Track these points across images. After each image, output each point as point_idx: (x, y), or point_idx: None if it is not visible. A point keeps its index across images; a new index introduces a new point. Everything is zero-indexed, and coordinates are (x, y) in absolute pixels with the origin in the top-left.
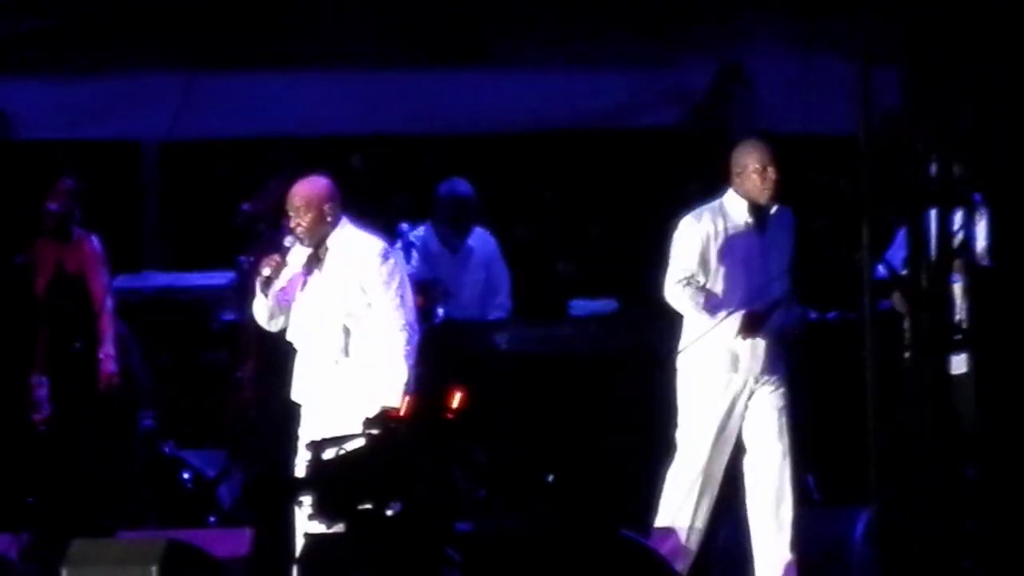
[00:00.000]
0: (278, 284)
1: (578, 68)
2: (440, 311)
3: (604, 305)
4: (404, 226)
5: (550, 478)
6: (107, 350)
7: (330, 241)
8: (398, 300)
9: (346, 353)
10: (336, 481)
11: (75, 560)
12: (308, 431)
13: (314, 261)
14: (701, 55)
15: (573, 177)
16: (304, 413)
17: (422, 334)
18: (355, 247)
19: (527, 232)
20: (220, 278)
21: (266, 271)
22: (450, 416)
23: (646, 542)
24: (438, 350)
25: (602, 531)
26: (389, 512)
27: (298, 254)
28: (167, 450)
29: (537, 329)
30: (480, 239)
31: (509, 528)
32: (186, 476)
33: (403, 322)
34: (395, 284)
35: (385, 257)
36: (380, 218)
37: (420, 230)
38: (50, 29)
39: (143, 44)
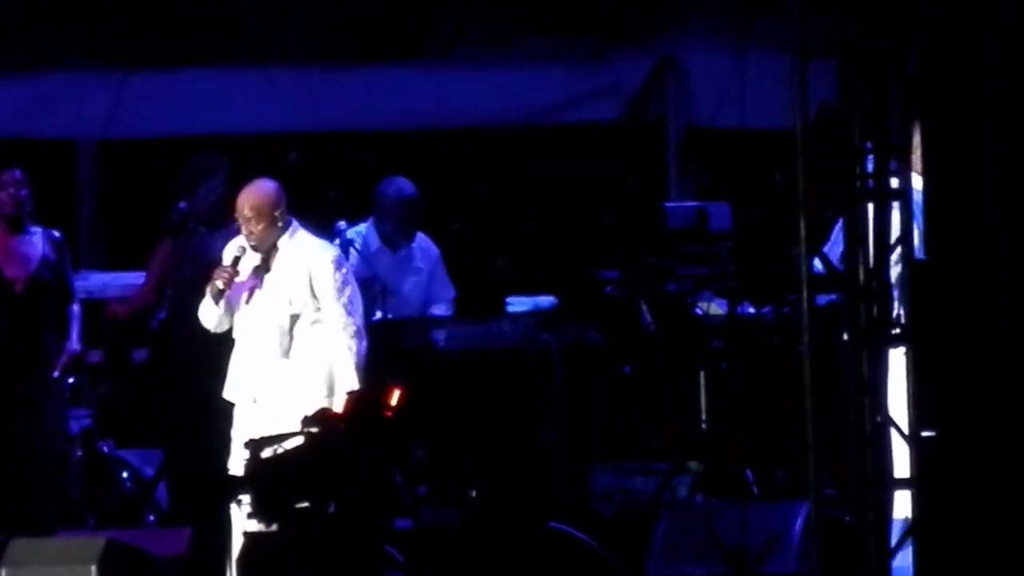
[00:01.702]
0: (226, 294)
1: (514, 64)
2: (378, 311)
3: (542, 301)
4: (342, 224)
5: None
6: (75, 345)
7: (280, 243)
8: (349, 306)
9: (287, 355)
10: (274, 480)
11: (14, 560)
12: (242, 430)
13: (263, 264)
14: (636, 50)
15: (509, 172)
16: (238, 412)
17: None
18: (306, 252)
19: (463, 227)
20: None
21: (219, 283)
22: (388, 414)
23: (577, 533)
24: (376, 348)
25: (532, 525)
26: (328, 511)
27: (248, 257)
28: (105, 450)
29: (475, 326)
30: (422, 242)
31: (448, 524)
32: (124, 475)
33: (354, 328)
34: (347, 291)
35: (338, 265)
36: (316, 215)
37: (360, 227)
38: None
39: (77, 43)
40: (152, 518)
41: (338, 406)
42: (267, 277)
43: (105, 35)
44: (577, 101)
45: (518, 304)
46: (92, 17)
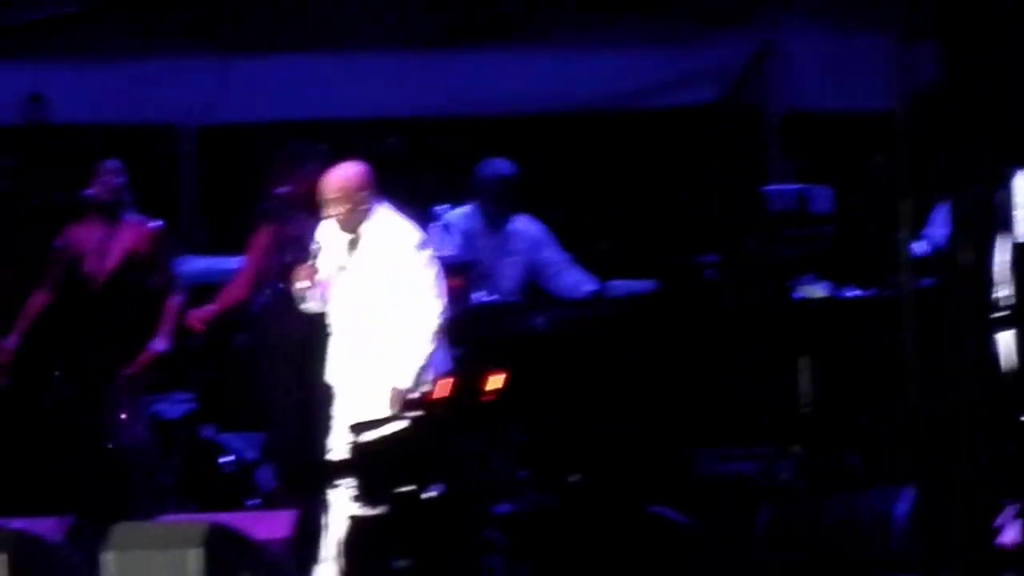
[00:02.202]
0: (316, 290)
1: (612, 47)
2: (477, 293)
3: (642, 285)
4: (440, 208)
5: (573, 477)
6: (157, 344)
7: (365, 228)
8: (433, 287)
9: (377, 338)
10: (377, 464)
11: (117, 544)
12: (342, 413)
13: (350, 248)
14: (736, 32)
15: (609, 156)
16: (338, 395)
17: (458, 316)
18: (392, 235)
19: (561, 214)
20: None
21: (301, 284)
22: (488, 398)
23: (678, 517)
24: (475, 332)
25: (633, 508)
26: (429, 495)
27: (334, 241)
28: (207, 434)
29: (575, 310)
30: (522, 224)
31: (548, 508)
32: (226, 459)
33: (439, 309)
34: (431, 273)
35: (423, 246)
36: (413, 200)
37: (459, 211)
38: (88, 12)
39: (177, 28)
40: (254, 501)
41: (406, 382)
42: (354, 261)
43: (206, 20)
44: (676, 84)
45: (619, 288)
46: (192, 1)
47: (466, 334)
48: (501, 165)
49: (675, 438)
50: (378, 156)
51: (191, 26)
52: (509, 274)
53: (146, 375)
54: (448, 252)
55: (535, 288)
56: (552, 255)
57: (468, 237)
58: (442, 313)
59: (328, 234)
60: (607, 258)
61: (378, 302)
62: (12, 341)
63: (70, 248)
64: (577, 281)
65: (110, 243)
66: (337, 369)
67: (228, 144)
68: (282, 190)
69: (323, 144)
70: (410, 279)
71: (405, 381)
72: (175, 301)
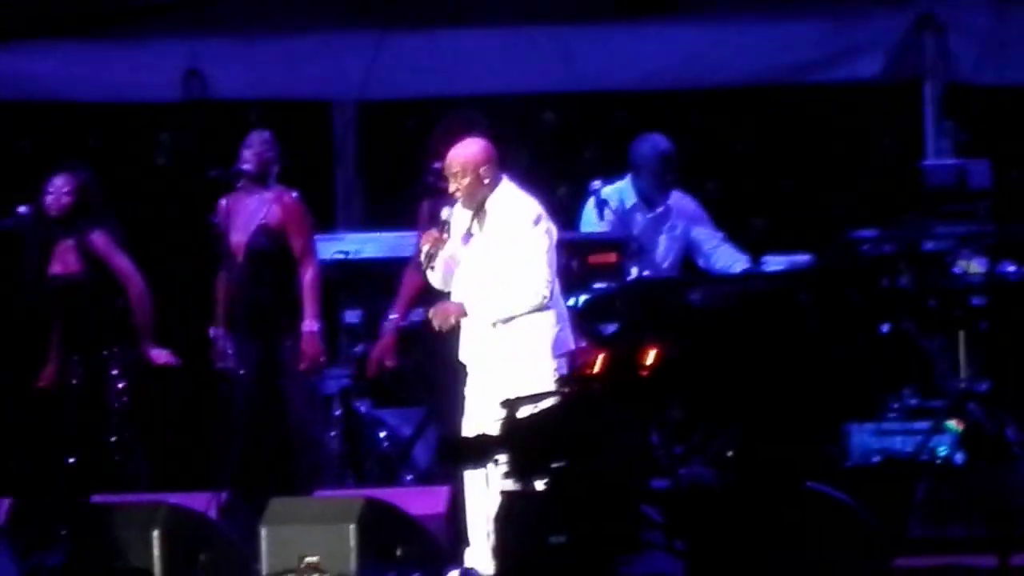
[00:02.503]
0: (441, 257)
1: (771, 21)
2: (633, 268)
3: (798, 259)
4: (596, 183)
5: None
6: (310, 325)
7: (488, 203)
8: (542, 263)
9: (498, 314)
10: (531, 440)
11: (274, 518)
12: (473, 392)
13: (473, 224)
14: (894, 6)
15: (765, 131)
16: (470, 373)
17: (613, 292)
18: (510, 209)
19: (718, 187)
20: (413, 237)
21: (425, 246)
22: (644, 373)
23: (836, 493)
24: (632, 308)
25: (790, 484)
26: (584, 471)
27: (461, 216)
28: (363, 409)
29: (731, 285)
30: (680, 199)
31: (704, 484)
32: (382, 435)
33: (546, 287)
34: (543, 247)
35: (536, 221)
36: (571, 175)
37: (615, 186)
38: None
39: (335, 2)
40: (410, 477)
41: (546, 365)
42: (478, 238)
43: None
44: (835, 58)
45: (774, 263)
46: None
47: (621, 309)
48: (659, 140)
49: (832, 413)
50: (534, 131)
51: (348, 1)
52: (665, 250)
53: (314, 358)
54: (604, 227)
55: (690, 264)
56: (707, 231)
57: (624, 212)
58: (545, 288)
59: (448, 212)
60: (761, 233)
61: (495, 276)
62: (216, 331)
63: (222, 222)
64: (732, 257)
65: (247, 213)
66: (464, 347)
67: (385, 119)
68: (438, 164)
69: (482, 115)
70: (521, 253)
71: (485, 315)
72: (308, 277)
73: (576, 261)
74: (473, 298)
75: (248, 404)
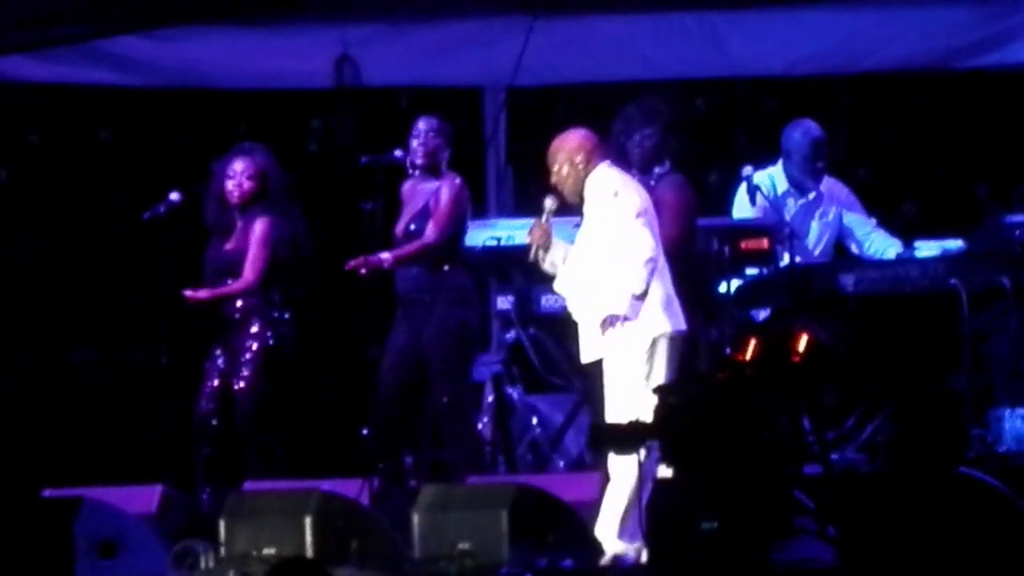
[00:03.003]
0: (550, 249)
1: (920, 6)
2: (785, 255)
3: (950, 245)
4: (748, 169)
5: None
6: (388, 255)
7: (588, 190)
8: (640, 235)
9: (617, 305)
10: (683, 426)
11: (426, 505)
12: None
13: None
14: None
15: (918, 117)
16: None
17: (765, 277)
18: (605, 190)
19: (870, 173)
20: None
21: (530, 239)
22: (796, 359)
23: (989, 479)
24: (784, 293)
25: (943, 470)
26: (737, 457)
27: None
28: (515, 396)
29: (883, 270)
30: (831, 186)
31: (857, 470)
32: (534, 421)
33: (646, 259)
34: (638, 225)
35: (616, 196)
36: (722, 161)
37: (768, 171)
38: None
39: None
40: (562, 464)
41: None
42: (583, 228)
43: None
44: (987, 44)
45: (926, 249)
46: None
47: (773, 295)
48: (810, 127)
49: (984, 399)
50: (687, 116)
51: None
52: (816, 236)
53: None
54: (756, 213)
55: (842, 249)
56: (859, 217)
57: (776, 198)
58: (651, 251)
59: (552, 202)
60: (913, 219)
61: (599, 261)
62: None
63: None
64: (885, 242)
65: (413, 201)
66: (582, 343)
67: (536, 106)
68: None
69: (669, 106)
70: (619, 235)
71: (619, 306)
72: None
73: (728, 247)
74: (581, 290)
75: (395, 389)
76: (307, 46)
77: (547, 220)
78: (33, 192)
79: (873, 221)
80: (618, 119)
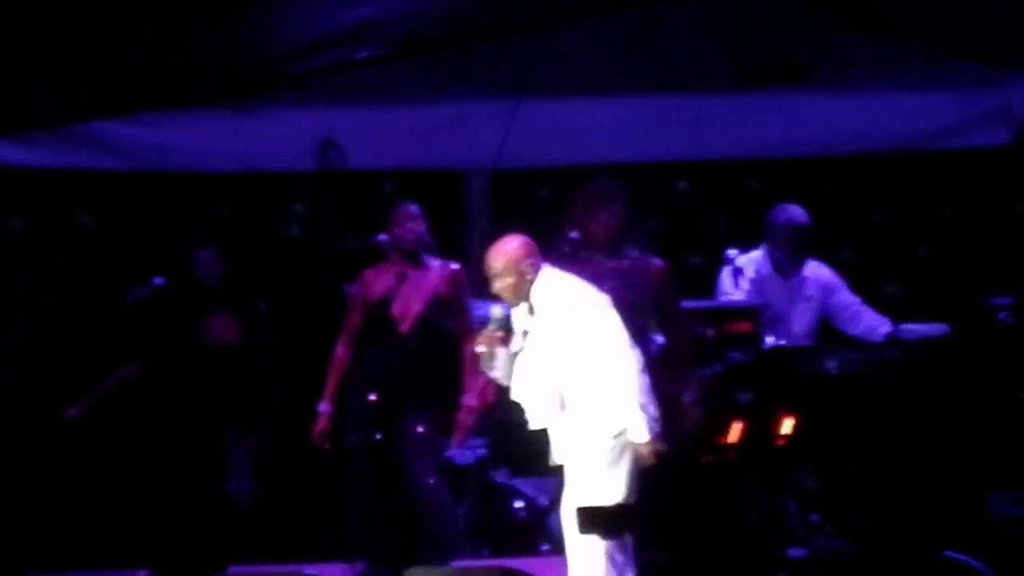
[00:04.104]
0: (500, 358)
1: (902, 90)
2: (769, 337)
3: (934, 329)
4: (732, 252)
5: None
6: (470, 400)
7: (533, 296)
8: (621, 342)
9: (565, 409)
10: (668, 508)
11: None
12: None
13: (528, 317)
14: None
15: (898, 198)
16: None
17: (749, 360)
18: (557, 296)
19: (853, 254)
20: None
21: (480, 347)
22: (780, 442)
23: (974, 563)
24: (767, 376)
25: (927, 553)
26: (721, 538)
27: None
28: (499, 479)
29: (866, 353)
30: (815, 270)
31: (840, 553)
32: (518, 504)
33: (631, 357)
34: (612, 326)
35: (582, 303)
36: (704, 243)
37: (751, 255)
38: (379, 56)
39: (468, 72)
40: (546, 547)
41: (641, 437)
42: (533, 331)
43: (494, 65)
44: (966, 127)
45: (909, 332)
46: (481, 47)
47: (757, 378)
48: (795, 212)
49: (968, 482)
50: (667, 200)
51: (482, 71)
52: (800, 319)
53: (469, 432)
54: (739, 296)
55: (826, 331)
56: (845, 298)
57: (759, 281)
58: (638, 363)
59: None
60: (897, 301)
61: (567, 368)
62: (325, 407)
63: (367, 293)
64: (872, 324)
65: (413, 287)
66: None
67: (519, 188)
68: (575, 234)
69: (622, 184)
70: (592, 338)
71: (640, 435)
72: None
73: (712, 329)
74: (534, 396)
75: (372, 473)
76: (290, 130)
77: (495, 329)
78: (15, 276)
79: (858, 300)
80: (577, 201)
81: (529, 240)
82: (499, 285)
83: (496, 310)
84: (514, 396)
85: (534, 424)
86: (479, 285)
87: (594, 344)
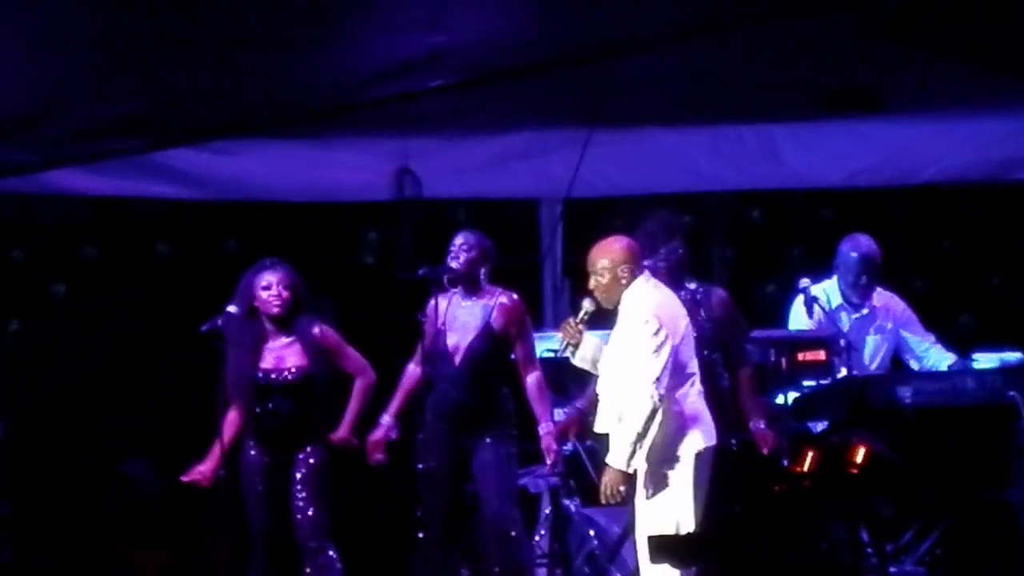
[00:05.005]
0: (586, 346)
1: (974, 117)
2: (842, 367)
3: (1008, 357)
4: (805, 281)
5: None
6: (547, 428)
7: (624, 299)
8: (646, 368)
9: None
10: (743, 538)
11: None
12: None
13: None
14: None
15: (971, 227)
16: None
17: (822, 389)
18: (634, 307)
19: (926, 284)
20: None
21: (561, 336)
22: (854, 471)
23: None
24: (841, 405)
25: None
26: (797, 568)
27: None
28: (572, 508)
29: (940, 382)
30: (887, 299)
31: None
32: (591, 534)
33: (647, 389)
34: (646, 351)
35: (645, 322)
36: (778, 272)
37: (824, 284)
38: (451, 85)
39: (542, 101)
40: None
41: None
42: (615, 332)
43: (567, 93)
44: None
45: (984, 360)
46: (553, 75)
47: (830, 407)
48: (864, 243)
49: None
50: (740, 229)
51: (555, 99)
52: (873, 349)
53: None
54: (812, 325)
55: (898, 362)
56: (916, 332)
57: (831, 310)
58: (652, 389)
59: (591, 304)
60: (970, 330)
61: (617, 373)
62: (388, 419)
63: (432, 320)
64: (943, 358)
65: (467, 319)
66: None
67: (592, 217)
68: (647, 263)
69: (687, 216)
70: (631, 354)
71: (616, 460)
72: (532, 378)
73: (785, 358)
74: (603, 398)
75: (442, 500)
76: (366, 159)
77: (581, 321)
78: (90, 305)
79: (931, 337)
80: (638, 235)
81: (634, 245)
82: (594, 282)
83: (587, 303)
84: (598, 389)
85: (598, 427)
86: (557, 312)
87: (630, 362)
